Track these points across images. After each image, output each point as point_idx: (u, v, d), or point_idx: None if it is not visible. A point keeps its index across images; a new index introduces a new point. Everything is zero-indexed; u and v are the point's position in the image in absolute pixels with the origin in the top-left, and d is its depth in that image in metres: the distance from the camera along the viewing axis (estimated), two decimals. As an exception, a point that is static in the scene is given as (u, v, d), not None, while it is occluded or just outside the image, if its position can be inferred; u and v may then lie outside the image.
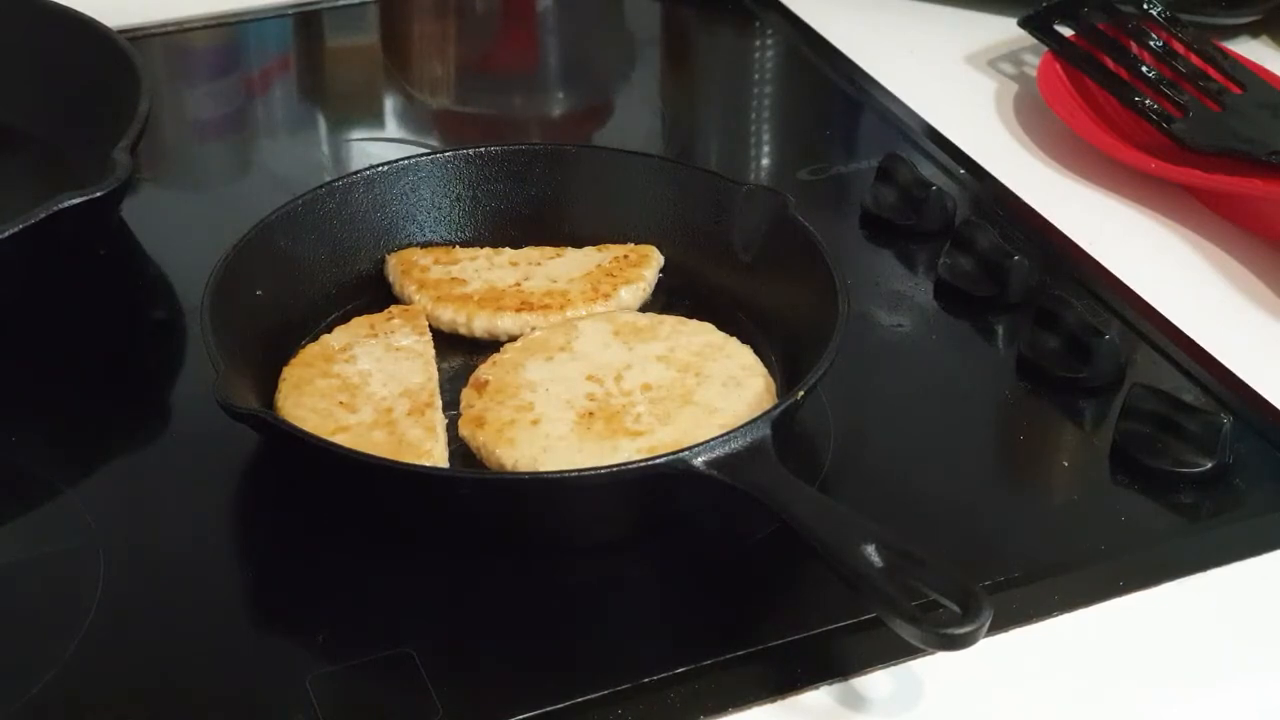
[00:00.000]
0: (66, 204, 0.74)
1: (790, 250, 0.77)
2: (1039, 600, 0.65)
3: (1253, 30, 1.08)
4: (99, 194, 0.75)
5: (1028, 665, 0.63)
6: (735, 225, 0.80)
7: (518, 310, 0.78)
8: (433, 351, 0.76)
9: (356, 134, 1.04)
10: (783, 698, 0.61)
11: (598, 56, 1.16)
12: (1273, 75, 0.99)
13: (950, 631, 0.57)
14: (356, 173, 0.82)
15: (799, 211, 0.78)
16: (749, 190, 0.80)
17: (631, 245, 0.83)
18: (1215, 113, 0.94)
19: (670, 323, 0.78)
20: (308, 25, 1.14)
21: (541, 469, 0.68)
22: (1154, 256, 0.87)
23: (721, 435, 0.65)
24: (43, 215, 0.73)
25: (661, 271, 0.82)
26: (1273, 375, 0.77)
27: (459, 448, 0.71)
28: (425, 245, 0.83)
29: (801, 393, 0.67)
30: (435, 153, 0.85)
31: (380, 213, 0.82)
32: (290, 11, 1.13)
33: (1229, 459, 0.71)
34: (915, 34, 1.10)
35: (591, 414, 0.71)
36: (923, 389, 0.78)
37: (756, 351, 0.76)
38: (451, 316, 0.79)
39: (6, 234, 0.72)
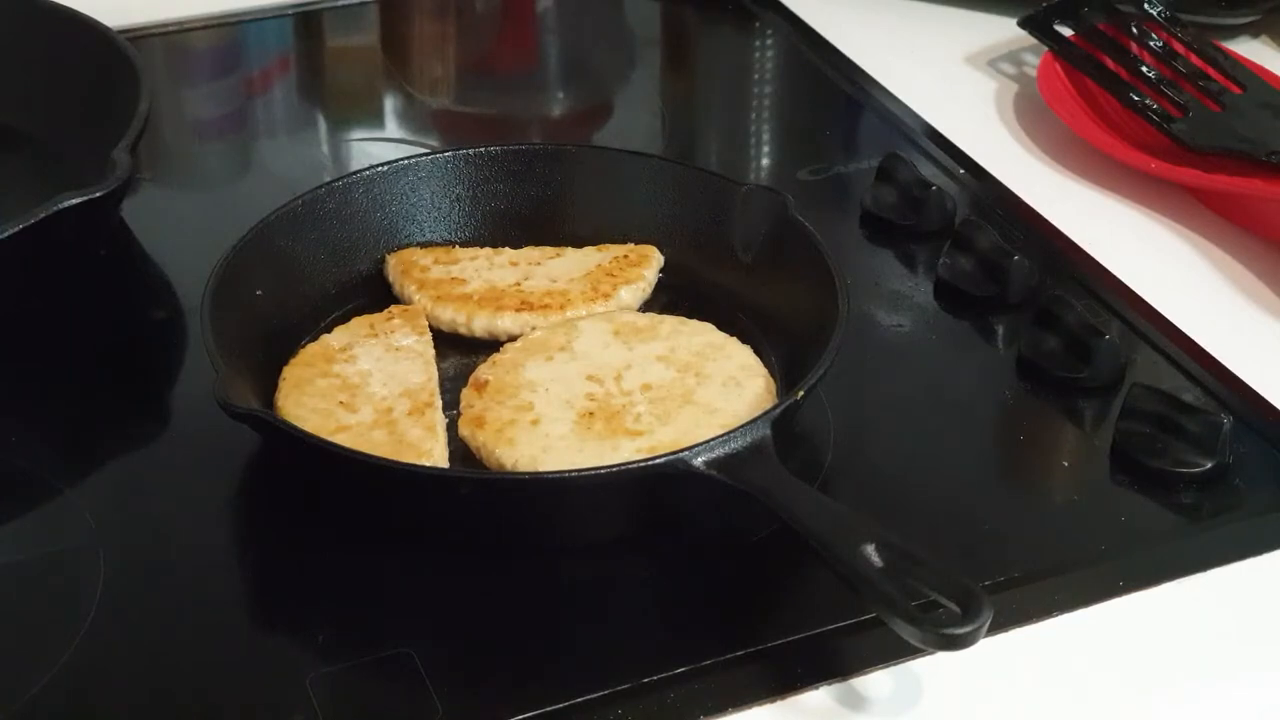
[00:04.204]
0: (66, 204, 0.74)
1: (790, 250, 0.77)
2: (1039, 600, 0.65)
3: (1253, 30, 1.08)
4: (99, 194, 0.75)
5: (1028, 665, 0.63)
6: (735, 225, 0.80)
7: (518, 310, 0.78)
8: (433, 351, 0.76)
9: (356, 134, 1.04)
10: (783, 698, 0.61)
11: (598, 56, 1.16)
12: (1273, 75, 0.99)
13: (950, 631, 0.57)
14: (356, 173, 0.82)
15: (799, 211, 0.78)
16: (749, 190, 0.80)
17: (631, 245, 0.83)
18: (1215, 113, 0.94)
19: (670, 323, 0.78)
20: (308, 25, 1.14)
21: (541, 469, 0.68)
22: (1154, 256, 0.87)
23: (721, 435, 0.65)
24: (43, 215, 0.73)
25: (661, 271, 0.82)
26: (1273, 375, 0.77)
27: (459, 448, 0.71)
28: (425, 245, 0.83)
29: (801, 393, 0.67)
30: (435, 153, 0.85)
31: (380, 213, 0.82)
32: (290, 11, 1.13)
33: (1229, 459, 0.71)
34: (915, 34, 1.11)
35: (591, 414, 0.71)
36: (923, 389, 0.78)
37: (756, 351, 0.76)
38: (451, 316, 0.79)
39: (6, 234, 0.72)
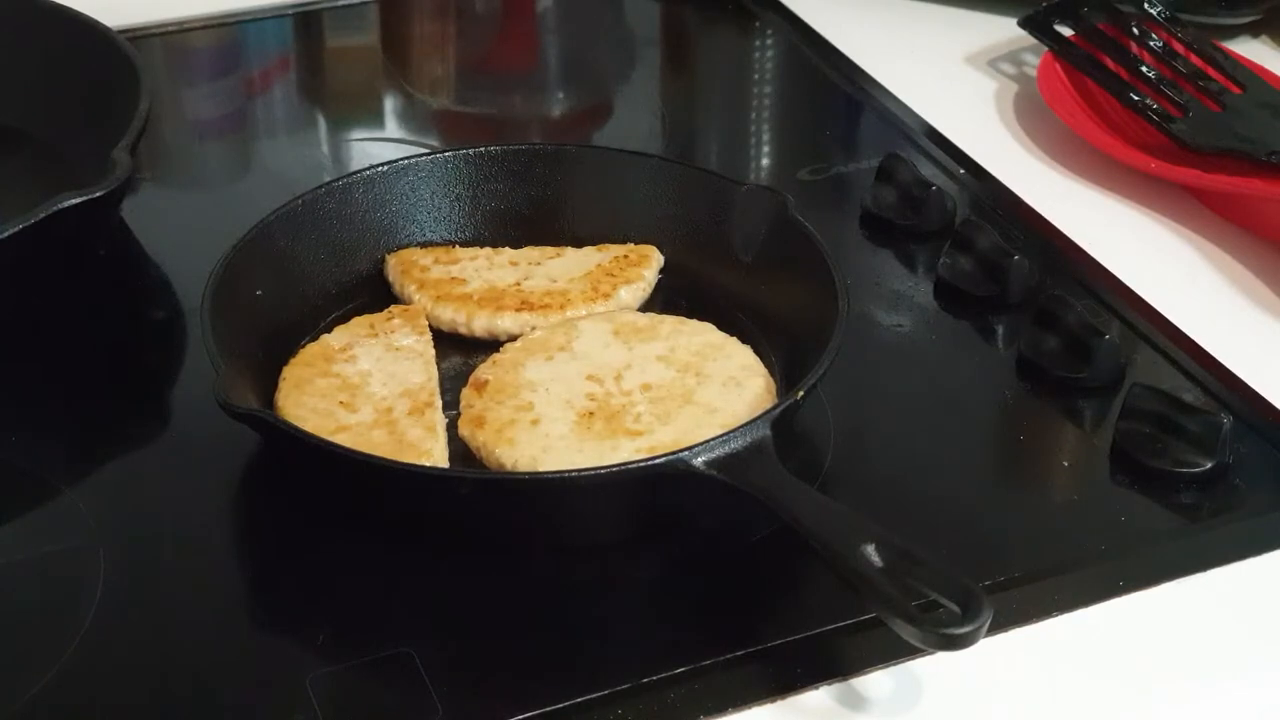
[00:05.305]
0: (66, 204, 0.74)
1: (790, 250, 0.77)
2: (1039, 600, 0.65)
3: (1253, 30, 1.08)
4: (99, 194, 0.75)
5: (1028, 665, 0.63)
6: (735, 225, 0.80)
7: (518, 310, 0.78)
8: (433, 351, 0.76)
9: (356, 134, 1.04)
10: (783, 698, 0.61)
11: (598, 56, 1.16)
12: (1273, 75, 0.99)
13: (950, 631, 0.57)
14: (356, 173, 0.82)
15: (799, 211, 0.78)
16: (749, 190, 0.80)
17: (631, 245, 0.83)
18: (1215, 113, 0.94)
19: (670, 323, 0.78)
20: (308, 25, 1.14)
21: (541, 469, 0.68)
22: (1154, 256, 0.87)
23: (721, 435, 0.65)
24: (43, 215, 0.73)
25: (661, 271, 0.82)
26: (1273, 375, 0.77)
27: (459, 448, 0.71)
28: (425, 245, 0.83)
29: (801, 393, 0.67)
30: (435, 153, 0.85)
31: (380, 213, 0.82)
32: (290, 11, 1.13)
33: (1229, 459, 0.71)
34: (915, 34, 1.11)
35: (591, 414, 0.71)
36: (923, 389, 0.78)
37: (756, 351, 0.76)
38: (451, 316, 0.79)
39: (6, 234, 0.72)
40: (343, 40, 1.15)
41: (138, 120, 0.82)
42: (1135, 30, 1.00)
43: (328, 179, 0.82)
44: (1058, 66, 0.99)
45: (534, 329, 0.78)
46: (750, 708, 0.61)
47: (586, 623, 0.65)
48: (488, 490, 0.66)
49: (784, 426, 0.67)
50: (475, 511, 0.67)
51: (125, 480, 0.73)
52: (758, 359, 0.75)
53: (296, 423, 0.69)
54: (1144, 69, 0.97)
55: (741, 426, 0.65)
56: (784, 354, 0.76)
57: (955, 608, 0.58)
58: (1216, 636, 0.65)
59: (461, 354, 0.78)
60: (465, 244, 0.84)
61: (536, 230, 0.84)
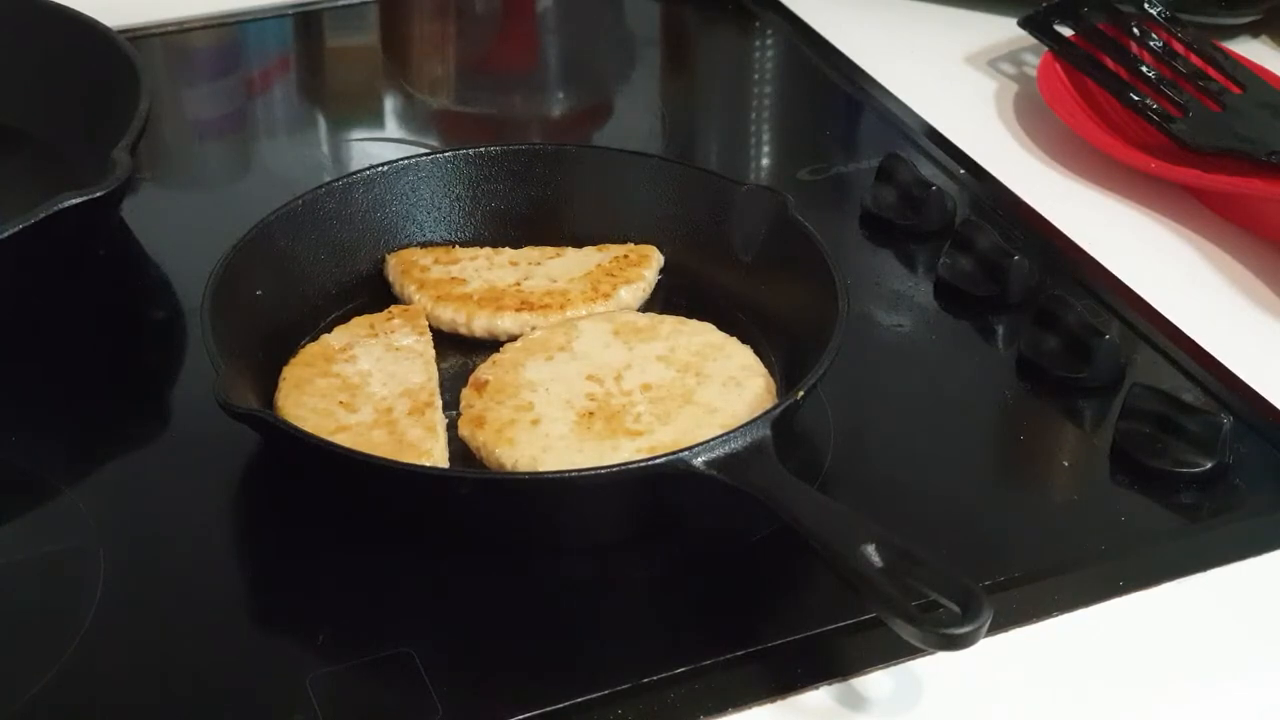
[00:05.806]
0: (66, 204, 0.74)
1: (790, 250, 0.77)
2: (1039, 600, 0.65)
3: (1253, 30, 1.08)
4: (99, 194, 0.75)
5: (1028, 665, 0.63)
6: (735, 225, 0.80)
7: (518, 310, 0.78)
8: (433, 351, 0.76)
9: (356, 134, 1.04)
10: (783, 698, 0.61)
11: (598, 56, 1.16)
12: (1273, 75, 0.99)
13: (950, 631, 0.57)
14: (356, 173, 0.82)
15: (799, 211, 0.78)
16: (749, 190, 0.80)
17: (631, 245, 0.83)
18: (1215, 113, 0.94)
19: (670, 323, 0.78)
20: (308, 25, 1.14)
21: (541, 469, 0.68)
22: (1154, 256, 0.87)
23: (721, 435, 0.65)
24: (43, 215, 0.73)
25: (661, 271, 0.82)
26: (1273, 375, 0.77)
27: (459, 448, 0.71)
28: (425, 245, 0.83)
29: (801, 393, 0.67)
30: (435, 153, 0.85)
31: (380, 213, 0.82)
32: (290, 11, 1.13)
33: (1229, 459, 0.71)
34: (915, 34, 1.11)
35: (591, 414, 0.71)
36: (923, 389, 0.78)
37: (756, 351, 0.76)
38: (451, 316, 0.79)
39: (6, 234, 0.72)
40: (343, 40, 1.15)
41: (138, 120, 0.82)
42: (1135, 30, 1.00)
43: (328, 179, 0.82)
44: (1058, 66, 0.99)
45: (534, 329, 0.78)
46: (750, 708, 0.61)
47: (586, 623, 0.65)
48: (488, 490, 0.66)
49: (784, 426, 0.67)
50: (475, 511, 0.67)
51: (125, 480, 0.73)
52: (758, 359, 0.75)
53: (296, 423, 0.69)
54: (1144, 69, 0.97)
55: (741, 426, 0.65)
56: (784, 354, 0.76)
57: (955, 608, 0.58)
58: (1216, 636, 0.65)
59: (461, 354, 0.78)
60: (465, 244, 0.84)
61: (536, 230, 0.84)
